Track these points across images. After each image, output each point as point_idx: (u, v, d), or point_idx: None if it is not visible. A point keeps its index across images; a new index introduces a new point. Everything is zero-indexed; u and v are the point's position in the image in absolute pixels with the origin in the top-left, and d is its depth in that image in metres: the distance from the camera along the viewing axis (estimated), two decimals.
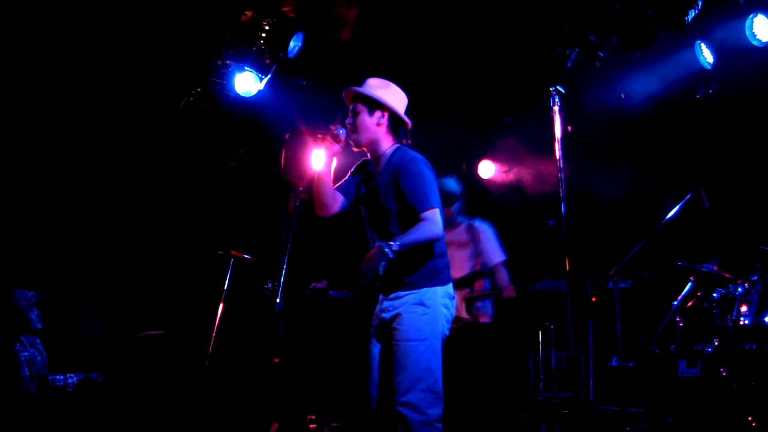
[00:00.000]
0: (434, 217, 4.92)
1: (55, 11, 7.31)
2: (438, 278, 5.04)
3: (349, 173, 5.47)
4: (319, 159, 5.26)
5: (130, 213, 9.17)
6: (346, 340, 8.60)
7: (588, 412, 8.31)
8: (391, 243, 4.80)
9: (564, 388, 8.81)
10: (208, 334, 7.69)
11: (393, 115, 5.23)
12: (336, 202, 5.30)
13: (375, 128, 5.19)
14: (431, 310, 4.96)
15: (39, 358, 7.13)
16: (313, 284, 8.47)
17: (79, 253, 8.87)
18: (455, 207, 7.68)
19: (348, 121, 5.24)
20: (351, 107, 5.26)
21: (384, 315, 5.10)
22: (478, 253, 7.62)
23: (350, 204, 5.38)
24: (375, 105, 5.19)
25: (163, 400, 8.27)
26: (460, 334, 7.52)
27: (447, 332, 5.06)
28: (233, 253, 7.96)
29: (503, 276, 7.52)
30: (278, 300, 6.11)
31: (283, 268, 5.76)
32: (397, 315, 4.98)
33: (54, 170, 8.62)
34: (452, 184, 7.74)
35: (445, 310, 5.03)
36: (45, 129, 8.43)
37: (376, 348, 5.20)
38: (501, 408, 7.79)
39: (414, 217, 4.97)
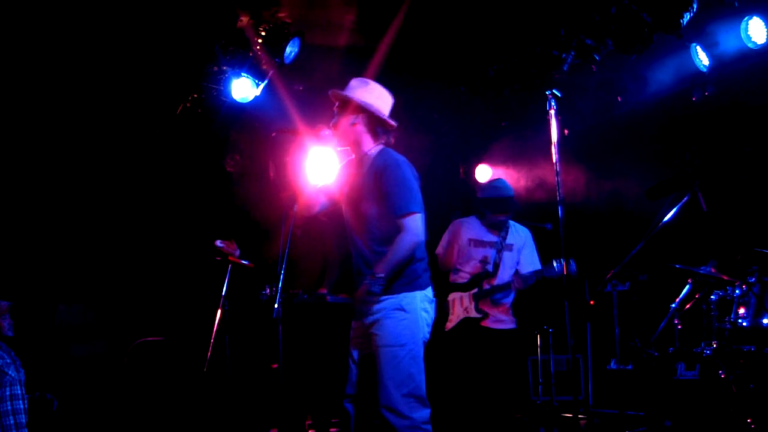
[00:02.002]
0: (412, 223, 4.94)
1: (53, 16, 7.32)
2: (416, 283, 5.05)
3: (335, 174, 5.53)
4: (318, 158, 5.31)
5: (127, 219, 9.16)
6: (344, 346, 8.60)
7: (587, 415, 8.32)
8: (377, 276, 4.86)
9: (563, 391, 8.80)
10: (206, 340, 7.68)
11: (372, 116, 5.22)
12: (317, 202, 5.45)
13: (351, 129, 5.21)
14: (411, 315, 4.97)
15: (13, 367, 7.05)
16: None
17: (76, 259, 8.86)
18: (511, 212, 7.67)
19: (331, 122, 5.29)
20: (335, 108, 5.31)
21: (364, 320, 5.10)
22: (517, 258, 7.63)
23: (330, 205, 5.49)
24: (352, 105, 5.21)
25: (162, 406, 8.25)
26: (460, 337, 7.53)
27: (427, 336, 5.07)
28: (231, 259, 7.95)
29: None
30: (276, 305, 6.11)
31: (281, 273, 5.76)
32: (377, 321, 4.99)
33: (51, 175, 8.60)
34: (508, 188, 7.72)
35: (425, 314, 5.05)
36: (42, 133, 8.41)
37: (355, 354, 5.20)
38: (500, 412, 7.78)
39: (392, 221, 4.98)
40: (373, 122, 5.23)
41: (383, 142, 5.26)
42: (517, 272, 7.52)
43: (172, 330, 8.75)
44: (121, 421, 8.10)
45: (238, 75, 8.18)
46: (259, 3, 7.72)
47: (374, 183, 5.07)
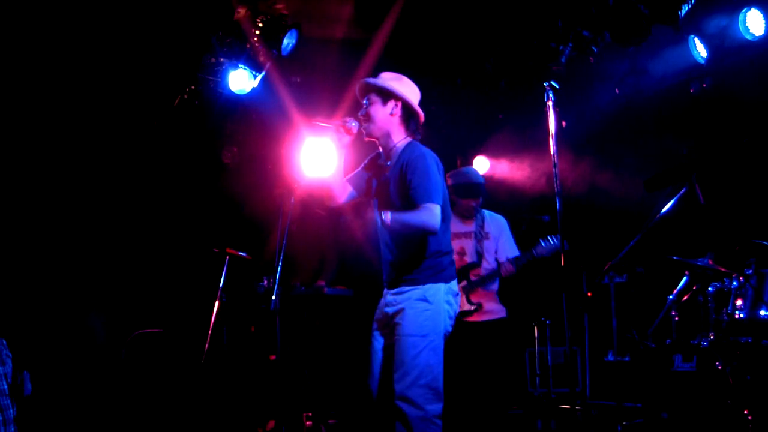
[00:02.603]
0: (433, 209, 4.98)
1: (51, 7, 7.30)
2: (442, 275, 5.11)
3: (360, 166, 5.57)
4: (329, 150, 5.33)
5: (125, 211, 9.16)
6: (343, 338, 8.61)
7: (584, 407, 8.33)
8: (386, 213, 4.92)
9: (560, 383, 8.82)
10: (203, 332, 7.69)
11: (406, 107, 5.31)
12: (344, 192, 5.45)
13: (388, 118, 5.28)
14: (434, 306, 5.02)
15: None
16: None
17: (74, 252, 8.85)
18: (482, 198, 7.66)
19: (361, 112, 5.33)
20: (365, 99, 5.35)
21: (387, 309, 5.18)
22: (495, 247, 7.61)
23: (359, 195, 5.51)
24: (388, 96, 5.29)
25: (160, 398, 8.27)
26: (455, 330, 7.52)
27: (449, 329, 5.12)
28: (229, 250, 7.96)
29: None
30: (274, 297, 6.12)
31: (278, 266, 5.76)
32: (400, 310, 5.05)
33: (46, 167, 8.59)
34: (477, 174, 7.73)
35: (447, 307, 5.09)
36: (40, 125, 8.40)
37: (378, 342, 5.25)
38: (497, 404, 7.79)
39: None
40: (408, 114, 5.32)
41: (412, 134, 5.34)
42: (507, 258, 7.48)
43: (170, 322, 8.76)
44: (119, 413, 8.11)
45: (236, 67, 8.17)
46: None
47: (401, 174, 5.14)
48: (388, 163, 5.33)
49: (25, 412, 6.03)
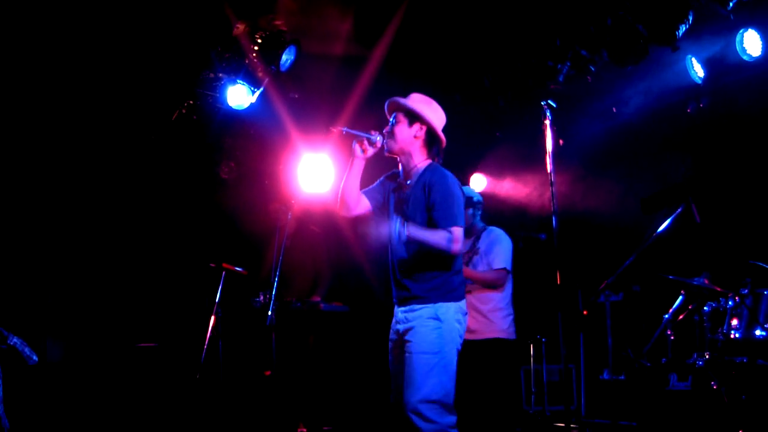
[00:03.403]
0: (456, 234, 5.04)
1: (50, 19, 7.32)
2: (453, 294, 5.14)
3: (378, 181, 5.59)
4: (327, 167, 5.34)
5: (122, 225, 9.16)
6: (338, 354, 8.60)
7: (579, 425, 8.32)
8: (408, 226, 4.97)
9: (555, 401, 8.81)
10: (199, 347, 7.69)
11: (430, 131, 5.35)
12: (359, 204, 5.46)
13: (412, 140, 5.33)
14: (445, 324, 5.05)
15: None
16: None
17: (71, 264, 8.85)
18: (469, 212, 7.65)
19: (386, 129, 5.36)
20: (392, 116, 5.39)
21: (398, 327, 5.21)
22: (486, 260, 7.62)
23: (373, 209, 5.51)
24: (415, 118, 5.33)
25: (155, 412, 8.25)
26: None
27: (460, 346, 5.15)
28: (225, 266, 7.96)
29: (491, 276, 7.52)
30: (270, 313, 6.12)
31: (274, 281, 5.77)
32: (411, 328, 5.08)
33: (45, 178, 8.60)
34: (465, 191, 7.75)
35: (458, 326, 5.13)
36: (39, 136, 8.41)
37: (393, 359, 5.26)
38: (492, 422, 7.77)
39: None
40: (431, 138, 5.37)
41: (433, 158, 5.39)
42: None
43: (165, 336, 8.75)
44: (114, 427, 8.09)
45: (234, 82, 8.18)
46: (255, 10, 7.72)
47: (423, 194, 5.19)
48: (408, 182, 5.36)
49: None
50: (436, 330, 5.01)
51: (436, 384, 4.92)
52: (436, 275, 5.12)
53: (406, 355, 5.03)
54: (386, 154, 5.38)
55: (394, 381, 5.21)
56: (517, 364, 8.65)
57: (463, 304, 5.20)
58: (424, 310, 5.07)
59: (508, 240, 7.62)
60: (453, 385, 5.01)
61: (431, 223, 5.11)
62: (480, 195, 7.81)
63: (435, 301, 5.07)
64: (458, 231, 5.04)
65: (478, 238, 7.66)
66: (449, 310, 5.08)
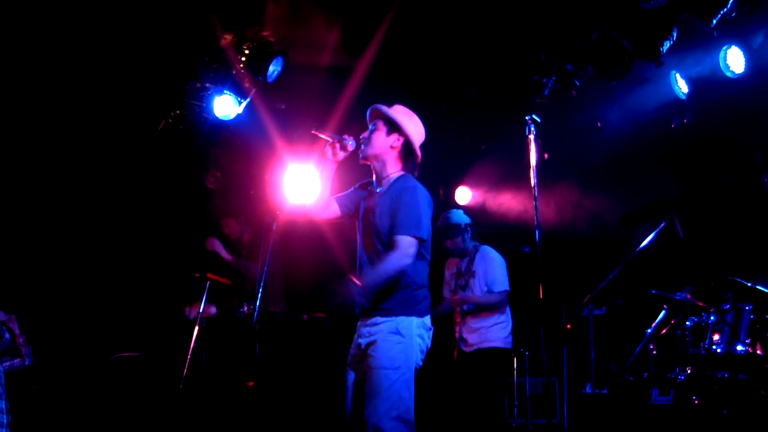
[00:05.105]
0: (404, 243, 4.99)
1: (37, 28, 7.32)
2: (415, 308, 5.08)
3: (351, 188, 5.58)
4: (312, 176, 5.34)
5: (106, 233, 9.14)
6: (321, 364, 8.59)
7: None
8: (358, 281, 5.02)
9: (538, 414, 8.81)
10: (182, 357, 7.66)
11: (407, 144, 5.36)
12: (328, 208, 5.47)
13: (388, 149, 5.32)
14: (406, 339, 4.99)
15: None
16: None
17: (56, 272, 8.82)
18: (460, 238, 7.83)
19: (364, 134, 5.36)
20: (372, 123, 5.39)
21: (360, 341, 5.15)
22: (484, 282, 7.72)
23: (343, 215, 5.51)
24: (394, 128, 5.33)
25: (137, 422, 8.22)
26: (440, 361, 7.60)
27: (420, 363, 5.10)
28: (209, 275, 7.95)
29: (494, 299, 7.65)
30: (253, 323, 6.12)
31: (259, 291, 5.76)
32: (373, 342, 5.03)
33: (29, 188, 8.58)
34: (455, 217, 7.87)
35: (419, 341, 5.07)
36: (23, 146, 8.39)
37: (351, 376, 5.22)
38: None
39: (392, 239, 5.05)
40: (408, 151, 5.37)
41: (409, 171, 5.37)
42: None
43: (148, 346, 8.72)
44: None
45: (221, 92, 8.19)
46: (242, 21, 7.73)
47: (390, 202, 5.16)
48: (378, 189, 5.33)
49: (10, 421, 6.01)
50: (398, 345, 4.96)
51: (396, 400, 4.87)
52: (400, 289, 5.06)
53: (367, 370, 4.99)
54: (361, 160, 5.37)
55: (353, 397, 5.16)
56: (510, 373, 8.65)
57: (427, 319, 5.14)
58: (386, 324, 5.01)
59: (502, 259, 7.78)
60: (412, 402, 4.96)
61: (391, 231, 5.08)
62: (468, 218, 7.91)
63: (397, 315, 5.02)
64: (407, 240, 4.98)
65: (472, 260, 7.79)
66: (411, 324, 5.03)
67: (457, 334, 7.78)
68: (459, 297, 7.70)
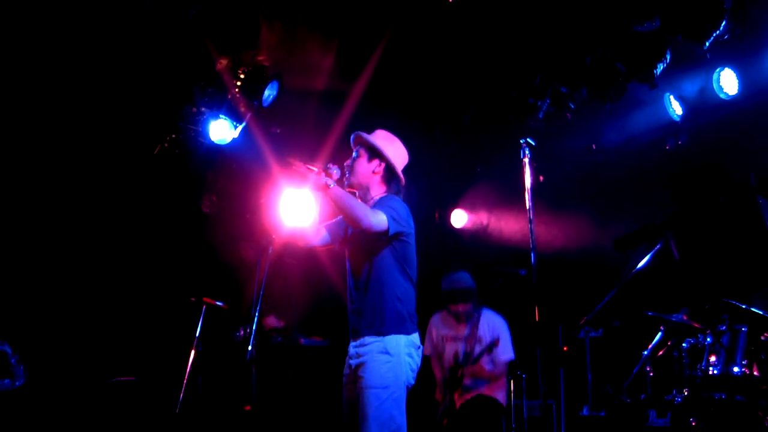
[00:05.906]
0: (377, 213, 5.05)
1: (34, 49, 7.34)
2: (403, 327, 5.12)
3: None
4: (308, 201, 5.36)
5: (102, 258, 9.12)
6: (318, 388, 8.58)
7: None
8: (331, 180, 5.00)
9: None
10: (179, 381, 7.64)
11: (389, 168, 5.43)
12: (317, 235, 5.50)
13: (370, 174, 5.41)
14: (395, 358, 5.03)
15: None
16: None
17: (51, 296, 8.80)
18: (472, 303, 7.83)
19: (347, 162, 5.43)
20: (355, 150, 5.48)
21: (351, 362, 5.20)
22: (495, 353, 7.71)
23: (332, 242, 5.55)
24: (375, 154, 5.41)
25: None
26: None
27: (412, 381, 5.14)
28: (205, 299, 7.93)
29: (502, 370, 7.74)
30: (250, 347, 6.10)
31: (255, 315, 5.75)
32: (362, 363, 5.08)
33: (26, 205, 8.56)
34: (466, 280, 7.91)
35: (408, 359, 5.11)
36: (18, 164, 8.39)
37: (346, 396, 5.24)
38: None
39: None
40: (390, 175, 5.45)
41: (392, 192, 5.45)
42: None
43: (145, 370, 8.70)
44: None
45: (216, 116, 8.21)
46: (238, 46, 7.77)
47: None
48: None
49: None
50: (386, 364, 5.00)
51: (387, 419, 4.90)
52: (386, 306, 5.11)
53: (358, 391, 5.02)
54: (346, 188, 5.40)
55: (347, 418, 5.20)
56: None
57: (415, 337, 5.18)
58: (374, 345, 5.06)
59: (505, 324, 7.77)
60: (404, 420, 4.99)
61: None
62: (473, 282, 7.88)
63: (385, 334, 5.06)
64: (380, 214, 5.03)
65: (476, 325, 7.73)
66: (399, 343, 5.07)
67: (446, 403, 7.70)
68: (477, 369, 7.68)
